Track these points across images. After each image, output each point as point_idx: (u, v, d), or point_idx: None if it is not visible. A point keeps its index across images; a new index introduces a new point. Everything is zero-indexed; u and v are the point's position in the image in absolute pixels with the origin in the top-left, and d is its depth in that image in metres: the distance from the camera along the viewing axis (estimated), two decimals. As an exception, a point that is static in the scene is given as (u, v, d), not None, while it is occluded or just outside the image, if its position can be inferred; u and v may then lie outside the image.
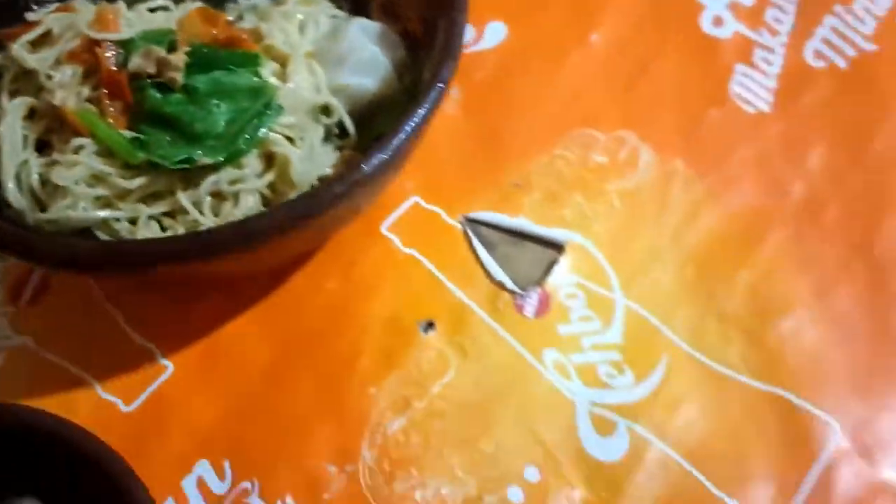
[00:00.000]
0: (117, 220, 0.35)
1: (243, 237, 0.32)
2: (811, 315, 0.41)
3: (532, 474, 0.37)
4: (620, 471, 0.37)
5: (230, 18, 0.42)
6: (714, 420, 0.39)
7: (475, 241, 0.43)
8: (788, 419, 0.38)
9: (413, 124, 0.34)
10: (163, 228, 0.36)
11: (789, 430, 0.38)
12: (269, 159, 0.37)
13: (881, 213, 0.44)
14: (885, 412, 0.39)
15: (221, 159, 0.35)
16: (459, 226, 0.44)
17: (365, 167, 0.33)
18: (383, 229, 0.43)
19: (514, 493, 0.37)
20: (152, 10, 0.42)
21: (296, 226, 0.32)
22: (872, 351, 0.40)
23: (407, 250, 0.43)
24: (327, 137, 0.40)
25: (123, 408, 0.38)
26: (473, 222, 0.44)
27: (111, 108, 0.37)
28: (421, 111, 0.35)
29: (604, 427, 0.38)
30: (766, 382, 0.39)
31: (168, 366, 0.40)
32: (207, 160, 0.35)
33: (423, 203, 0.44)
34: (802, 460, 0.37)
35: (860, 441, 0.38)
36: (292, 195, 0.37)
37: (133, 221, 0.35)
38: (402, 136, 0.34)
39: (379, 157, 0.33)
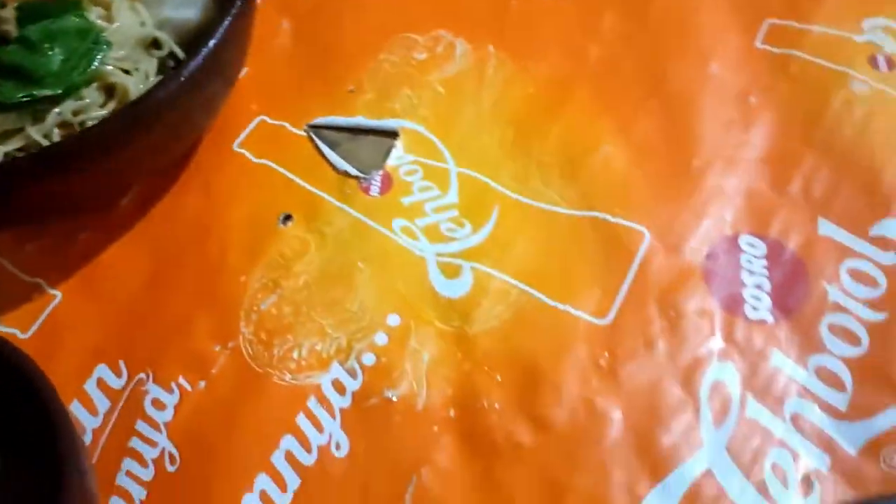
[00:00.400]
0: (-24, 160, 0.39)
1: (87, 146, 0.36)
2: (616, 149, 0.47)
3: (394, 320, 0.42)
4: (469, 303, 0.43)
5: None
6: (544, 248, 0.44)
7: (319, 143, 0.48)
8: (606, 235, 0.44)
9: (221, 33, 0.39)
10: (21, 164, 0.40)
11: (608, 243, 0.44)
12: (110, 91, 0.42)
13: (666, 61, 0.51)
14: (683, 214, 0.45)
15: (59, 91, 0.39)
16: (304, 133, 0.49)
17: (182, 72, 0.38)
18: (235, 147, 0.48)
19: (380, 337, 0.42)
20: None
21: (131, 131, 0.37)
22: (669, 169, 0.46)
23: (259, 161, 0.48)
24: (164, 69, 0.45)
25: (21, 335, 0.42)
26: (316, 128, 0.49)
27: (-44, 68, 0.41)
28: (226, 21, 0.40)
29: (451, 271, 0.44)
30: (584, 209, 0.45)
31: (57, 294, 0.44)
32: (47, 92, 0.39)
33: (269, 120, 0.49)
34: (621, 264, 0.43)
35: (666, 240, 0.44)
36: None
37: (-8, 160, 0.40)
38: (211, 42, 0.39)
39: (193, 63, 0.38)
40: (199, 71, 0.38)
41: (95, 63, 0.40)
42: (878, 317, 0.41)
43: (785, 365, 0.41)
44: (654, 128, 0.48)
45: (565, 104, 0.49)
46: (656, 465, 0.38)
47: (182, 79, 0.37)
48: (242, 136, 0.48)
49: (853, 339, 0.41)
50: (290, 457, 0.39)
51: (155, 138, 0.39)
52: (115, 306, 0.43)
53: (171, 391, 0.40)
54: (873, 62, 0.50)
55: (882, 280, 0.42)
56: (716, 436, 0.39)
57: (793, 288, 0.43)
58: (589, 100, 0.49)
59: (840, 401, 0.40)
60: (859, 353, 0.41)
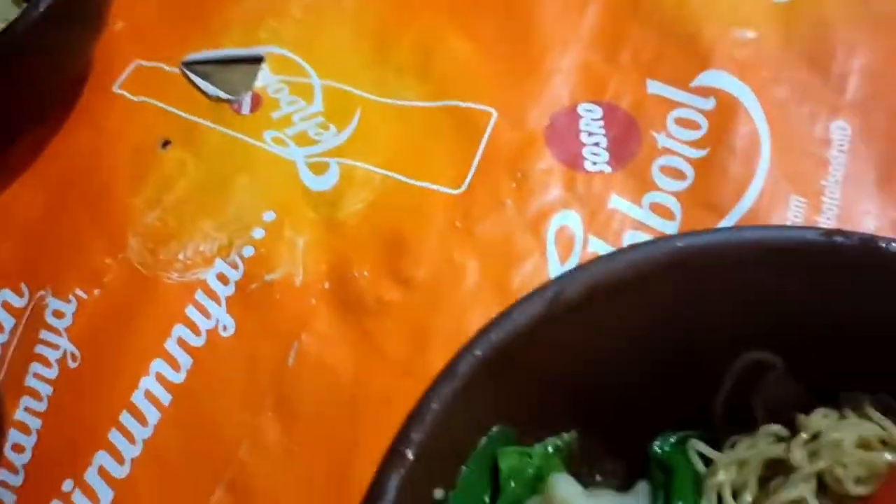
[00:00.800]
0: None
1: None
2: (463, 46, 0.51)
3: (269, 216, 0.46)
4: (336, 193, 0.47)
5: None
6: (403, 138, 0.48)
7: (192, 77, 0.52)
8: (458, 119, 0.49)
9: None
10: None
11: (460, 125, 0.48)
12: (-17, 41, 0.46)
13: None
14: (525, 93, 0.49)
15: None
16: (178, 70, 0.52)
17: (39, 5, 0.42)
18: (115, 89, 0.52)
19: (258, 232, 0.46)
20: None
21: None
22: (512, 57, 0.50)
23: (138, 98, 0.51)
24: (37, 22, 0.49)
25: (-73, 276, 0.46)
26: (189, 64, 0.53)
27: None
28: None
29: (319, 169, 0.48)
30: (438, 100, 0.49)
31: (-42, 238, 0.47)
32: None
33: (144, 62, 0.53)
34: (472, 141, 0.47)
35: (511, 116, 0.48)
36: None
37: None
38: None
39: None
40: (56, 6, 0.42)
41: (-36, 16, 0.44)
42: (700, 153, 0.46)
43: (621, 205, 0.45)
44: (497, 24, 0.52)
45: (415, 14, 0.53)
46: (508, 301, 0.42)
47: (40, 10, 0.41)
48: (121, 79, 0.52)
49: (680, 175, 0.46)
50: (181, 342, 0.42)
51: (24, 74, 0.43)
52: (14, 238, 0.46)
53: (68, 301, 0.44)
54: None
55: (703, 123, 0.47)
56: (562, 270, 0.43)
57: (627, 141, 0.47)
58: (436, 7, 0.53)
59: (671, 228, 0.44)
60: (685, 185, 0.45)
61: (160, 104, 0.51)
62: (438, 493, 0.29)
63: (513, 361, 0.30)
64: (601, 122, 0.48)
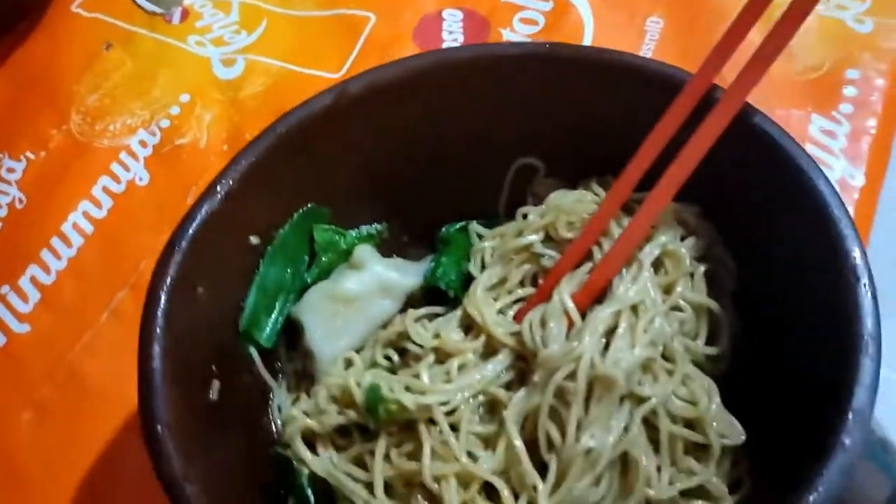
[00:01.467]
0: None
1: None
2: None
3: (185, 98, 0.56)
4: (241, 80, 0.57)
5: None
6: (299, 39, 0.59)
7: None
8: (345, 22, 0.59)
9: None
10: None
11: (346, 27, 0.58)
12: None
13: None
14: (399, 5, 0.59)
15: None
16: (126, -6, 0.64)
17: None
18: (73, 8, 0.62)
19: (174, 109, 0.56)
20: None
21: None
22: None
23: (90, 15, 0.62)
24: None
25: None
26: (135, -11, 0.64)
27: None
28: None
29: (229, 63, 0.58)
30: (329, 9, 0.60)
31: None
32: None
33: (97, -13, 0.64)
34: (353, 38, 0.58)
35: (386, 19, 0.58)
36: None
37: None
38: None
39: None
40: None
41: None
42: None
43: (468, 84, 0.54)
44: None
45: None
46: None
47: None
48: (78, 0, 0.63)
49: (517, 60, 0.55)
50: (105, 189, 0.53)
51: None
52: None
53: (20, 161, 0.54)
54: None
55: (541, 20, 0.57)
56: (411, 131, 0.52)
57: (480, 37, 0.57)
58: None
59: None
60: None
61: (108, 18, 0.62)
62: (254, 240, 0.39)
63: (311, 143, 0.39)
64: (461, 24, 0.58)
